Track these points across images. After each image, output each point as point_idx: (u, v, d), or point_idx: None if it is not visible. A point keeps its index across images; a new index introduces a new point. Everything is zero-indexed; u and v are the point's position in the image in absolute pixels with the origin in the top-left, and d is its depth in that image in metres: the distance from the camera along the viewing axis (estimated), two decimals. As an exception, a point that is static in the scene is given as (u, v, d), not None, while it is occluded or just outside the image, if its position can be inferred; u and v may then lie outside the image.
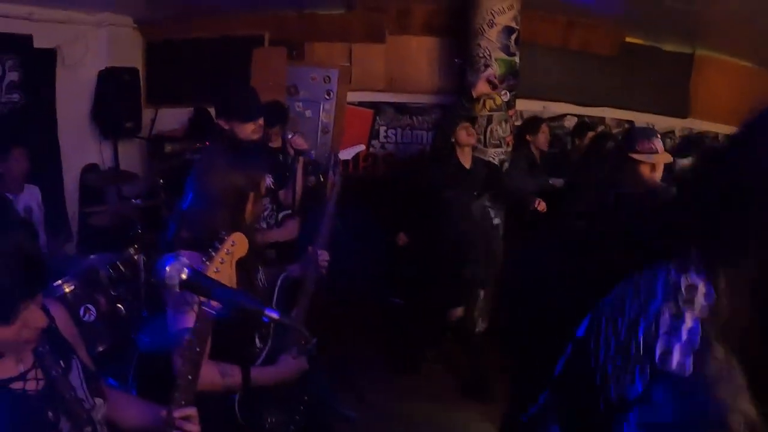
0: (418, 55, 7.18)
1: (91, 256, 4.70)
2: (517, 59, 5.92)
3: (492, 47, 5.80)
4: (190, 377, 1.81)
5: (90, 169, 6.52)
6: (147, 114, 7.03)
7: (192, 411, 1.81)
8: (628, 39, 7.32)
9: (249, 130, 3.89)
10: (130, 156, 6.99)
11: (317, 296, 3.13)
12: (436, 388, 5.26)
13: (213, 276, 1.89)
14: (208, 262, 1.91)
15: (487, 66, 5.78)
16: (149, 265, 4.72)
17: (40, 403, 1.63)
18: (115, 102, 6.54)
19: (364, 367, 5.40)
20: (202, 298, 1.80)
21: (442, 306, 5.52)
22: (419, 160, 6.88)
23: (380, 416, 4.66)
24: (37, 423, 1.60)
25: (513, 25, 5.83)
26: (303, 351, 2.83)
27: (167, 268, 1.67)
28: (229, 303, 1.70)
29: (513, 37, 5.84)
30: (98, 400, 1.81)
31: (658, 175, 3.75)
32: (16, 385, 1.60)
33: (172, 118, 7.13)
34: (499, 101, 5.84)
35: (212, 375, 2.25)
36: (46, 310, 1.79)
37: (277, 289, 2.92)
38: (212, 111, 6.44)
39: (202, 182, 2.55)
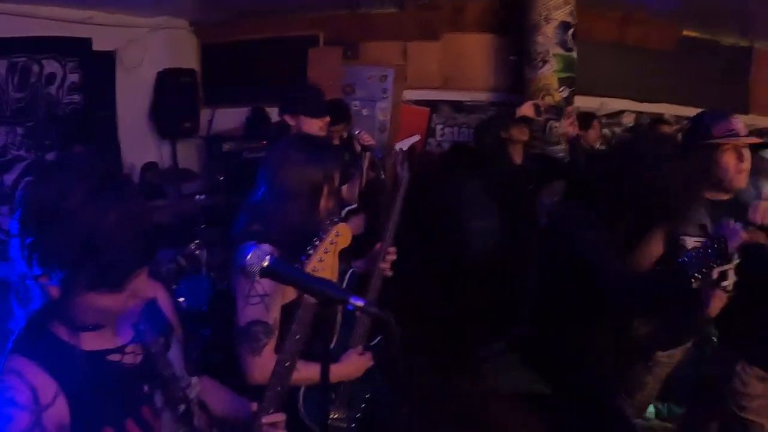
0: (473, 53, 7.12)
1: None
2: (574, 54, 5.87)
3: (549, 43, 5.77)
4: (279, 388, 1.83)
5: (149, 167, 6.61)
6: (204, 114, 7.12)
7: (280, 417, 1.83)
8: (685, 33, 7.18)
9: (316, 127, 3.91)
10: (189, 155, 7.09)
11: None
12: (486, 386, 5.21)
13: (317, 265, 1.89)
14: (311, 251, 1.91)
15: (545, 62, 5.75)
16: (210, 260, 4.77)
17: (136, 376, 1.65)
18: (174, 102, 6.65)
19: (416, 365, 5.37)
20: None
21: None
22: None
23: (431, 415, 4.62)
24: (131, 395, 1.62)
25: (569, 20, 5.79)
26: (371, 347, 2.84)
27: (249, 255, 1.66)
28: (313, 291, 1.68)
29: (570, 32, 5.80)
30: (194, 379, 1.83)
31: (747, 165, 2.99)
32: (113, 357, 1.62)
33: (229, 118, 7.21)
34: (557, 97, 5.79)
35: None
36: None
37: (344, 284, 2.93)
38: (269, 111, 6.58)
39: (276, 176, 2.55)
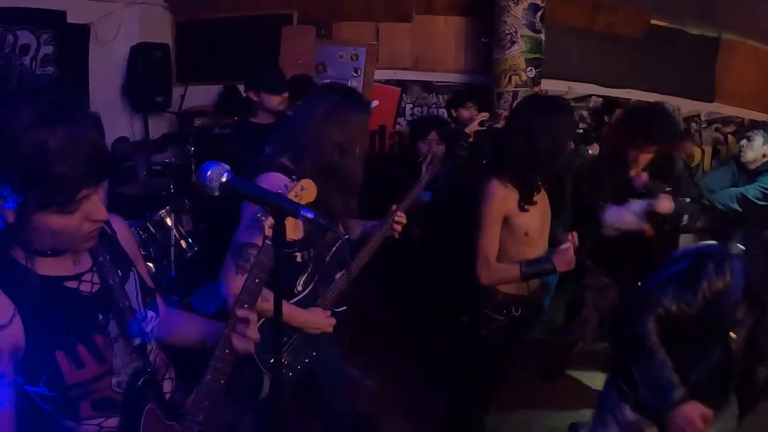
0: (445, 34, 7.27)
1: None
2: (542, 36, 5.96)
3: (518, 24, 5.85)
4: (257, 281, 1.85)
5: (120, 141, 6.62)
6: (177, 91, 7.11)
7: (253, 316, 1.84)
8: (653, 21, 7.31)
9: (276, 102, 4.38)
10: (160, 130, 7.09)
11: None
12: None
13: (268, 233, 1.88)
14: (263, 218, 1.89)
15: (513, 42, 5.85)
16: (179, 225, 4.84)
17: (92, 305, 1.68)
18: (147, 77, 6.63)
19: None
20: (268, 234, 1.82)
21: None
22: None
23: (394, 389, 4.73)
24: (85, 322, 1.66)
25: (538, 2, 5.88)
26: (335, 314, 2.88)
27: (209, 172, 1.70)
28: (268, 203, 1.73)
29: (539, 14, 5.88)
30: (151, 313, 1.86)
31: None
32: (70, 284, 1.66)
33: (201, 95, 7.21)
34: (524, 77, 5.89)
35: None
36: (108, 223, 1.86)
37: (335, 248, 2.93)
38: (241, 88, 6.60)
39: (318, 120, 2.60)
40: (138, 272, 1.90)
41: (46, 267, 1.61)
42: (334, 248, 2.90)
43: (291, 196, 1.96)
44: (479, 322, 3.35)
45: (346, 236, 3.01)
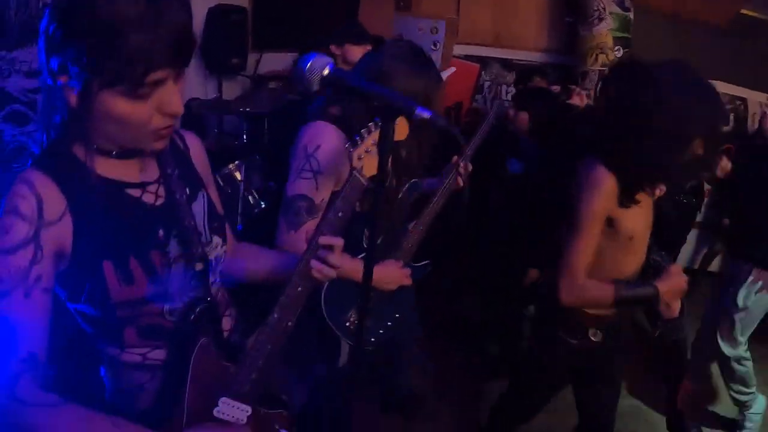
0: (527, 11, 7.14)
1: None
2: (631, 15, 5.82)
3: (606, 1, 5.70)
4: (340, 214, 1.74)
5: (193, 101, 6.62)
6: (252, 57, 7.09)
7: (338, 241, 1.72)
8: (743, 11, 7.06)
9: (359, 54, 4.20)
10: (234, 93, 7.07)
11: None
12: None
13: (356, 165, 1.78)
14: (351, 149, 1.78)
15: (601, 20, 5.71)
16: (247, 181, 4.81)
17: (153, 217, 1.55)
18: (223, 38, 6.62)
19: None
20: (356, 166, 1.71)
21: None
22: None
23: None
24: (143, 235, 1.53)
25: (627, -21, 5.74)
26: (413, 267, 2.73)
27: (309, 63, 1.51)
28: (376, 98, 1.51)
29: (628, -8, 5.74)
30: (217, 239, 1.73)
31: None
32: (133, 192, 1.53)
33: (276, 62, 7.18)
34: (612, 57, 5.73)
35: None
36: (181, 138, 1.76)
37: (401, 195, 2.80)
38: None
39: (378, 73, 2.35)
40: (208, 195, 1.77)
41: (108, 168, 1.48)
42: (398, 197, 2.75)
43: (369, 143, 1.82)
44: (546, 342, 2.84)
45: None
